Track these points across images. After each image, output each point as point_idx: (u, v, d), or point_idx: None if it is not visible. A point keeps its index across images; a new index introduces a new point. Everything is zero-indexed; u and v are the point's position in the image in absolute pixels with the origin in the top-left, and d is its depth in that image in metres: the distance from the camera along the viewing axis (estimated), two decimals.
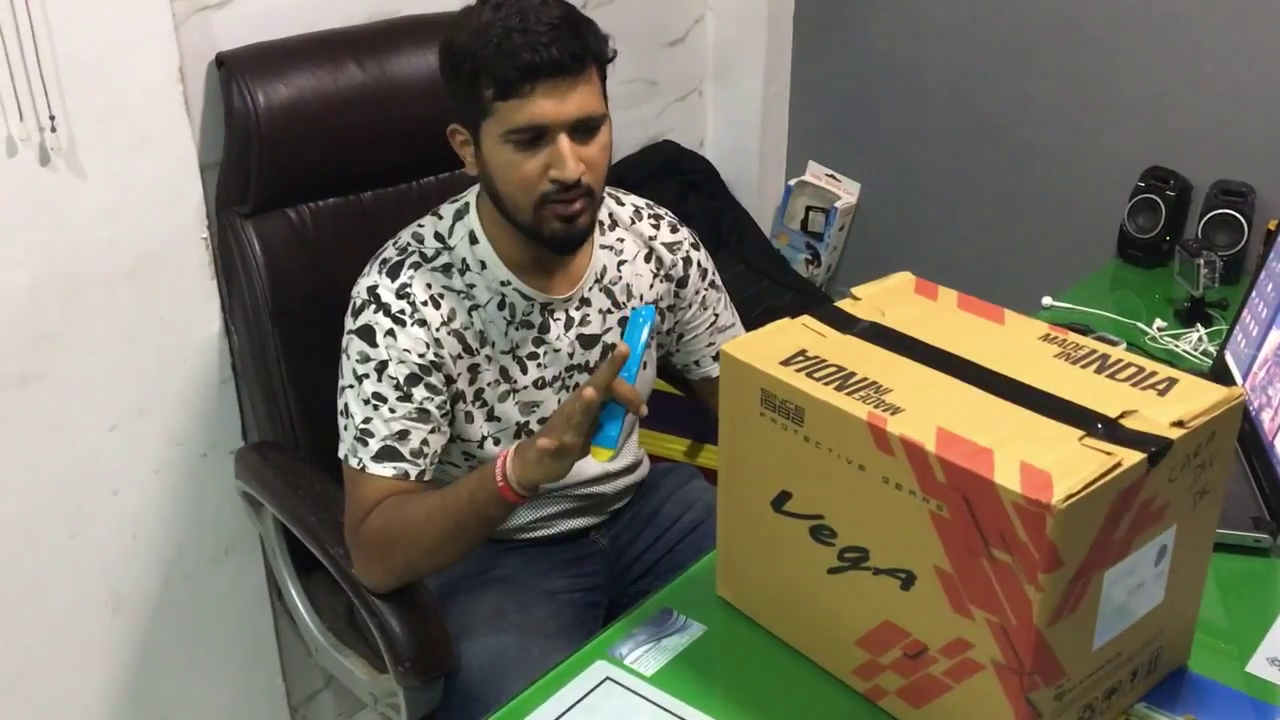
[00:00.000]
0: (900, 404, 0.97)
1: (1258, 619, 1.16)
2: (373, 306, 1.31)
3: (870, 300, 1.14)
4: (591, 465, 1.48)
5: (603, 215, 1.44)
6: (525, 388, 1.38)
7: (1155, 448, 0.90)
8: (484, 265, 1.35)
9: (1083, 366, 1.02)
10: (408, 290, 1.31)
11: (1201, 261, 1.75)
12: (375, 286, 1.32)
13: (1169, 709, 1.04)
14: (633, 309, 1.23)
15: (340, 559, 1.37)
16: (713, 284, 1.54)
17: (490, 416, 1.38)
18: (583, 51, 1.23)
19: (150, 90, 1.52)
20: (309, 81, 1.57)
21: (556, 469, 1.18)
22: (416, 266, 1.33)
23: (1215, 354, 1.60)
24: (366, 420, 1.29)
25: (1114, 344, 1.70)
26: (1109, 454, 0.89)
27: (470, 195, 1.38)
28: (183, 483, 1.70)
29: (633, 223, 1.47)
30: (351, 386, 1.31)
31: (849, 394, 0.99)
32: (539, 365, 1.38)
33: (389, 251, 1.35)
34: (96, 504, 1.62)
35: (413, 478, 1.30)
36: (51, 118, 1.43)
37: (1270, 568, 1.24)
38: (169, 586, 1.73)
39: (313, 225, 1.62)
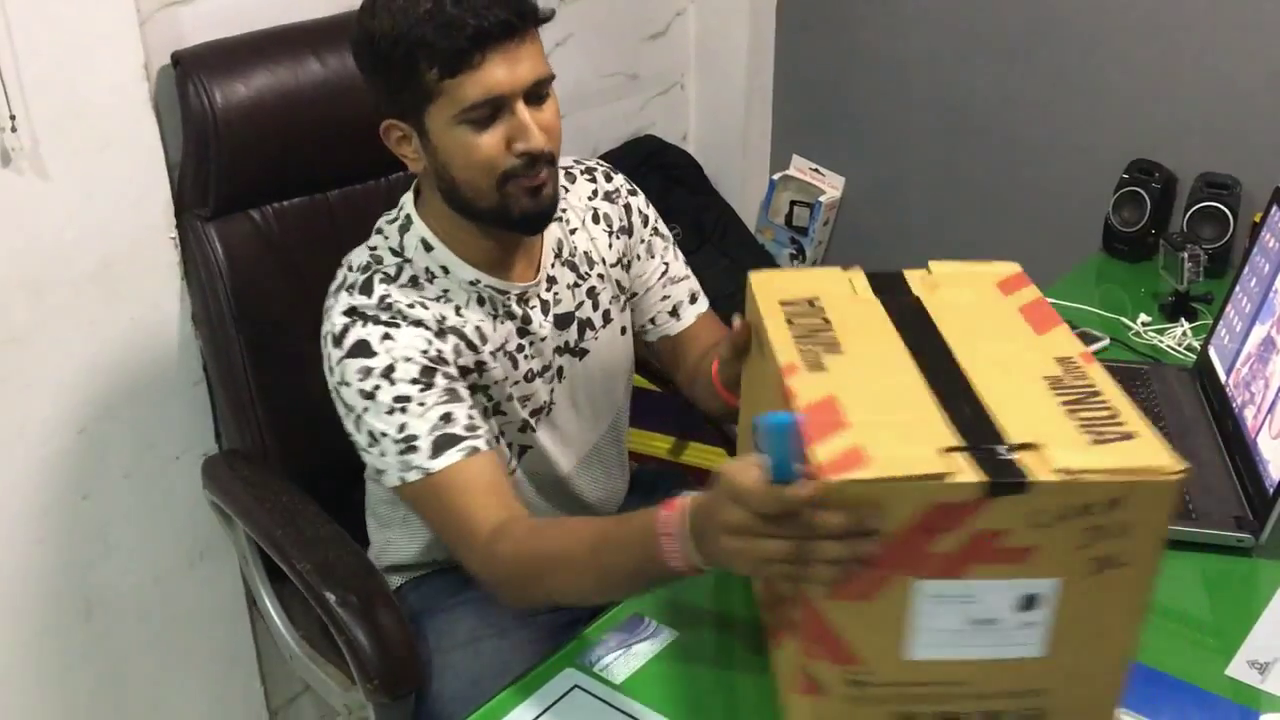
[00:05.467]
0: (829, 365, 0.95)
1: (1238, 620, 1.14)
2: (359, 322, 1.20)
3: (941, 276, 1.09)
4: (594, 491, 1.46)
5: None
6: (519, 383, 1.32)
7: (1005, 479, 0.83)
8: (446, 270, 1.27)
9: (1056, 393, 0.93)
10: (389, 301, 1.22)
11: (1186, 255, 1.73)
12: (354, 307, 1.21)
13: (1148, 714, 1.02)
14: (771, 423, 0.86)
15: (307, 574, 1.34)
16: (656, 230, 1.44)
17: (497, 411, 1.32)
18: (526, 9, 1.16)
19: (115, 89, 1.49)
20: (268, 79, 1.51)
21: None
22: (387, 282, 1.24)
23: (1199, 349, 1.58)
24: (401, 428, 1.17)
25: (1097, 339, 1.69)
26: (947, 466, 0.83)
27: (407, 206, 1.29)
28: (154, 486, 1.68)
29: (568, 188, 1.38)
30: (367, 409, 1.18)
31: (798, 343, 0.98)
32: (527, 358, 1.32)
33: (351, 276, 1.25)
34: (65, 509, 1.60)
35: (483, 449, 1.18)
36: (12, 118, 1.40)
37: (1252, 568, 1.22)
38: (142, 592, 1.71)
39: (277, 226, 1.57)
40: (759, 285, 1.08)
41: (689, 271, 1.48)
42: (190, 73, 1.49)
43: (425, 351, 1.21)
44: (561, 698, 1.07)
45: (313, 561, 1.36)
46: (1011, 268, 1.12)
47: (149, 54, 1.52)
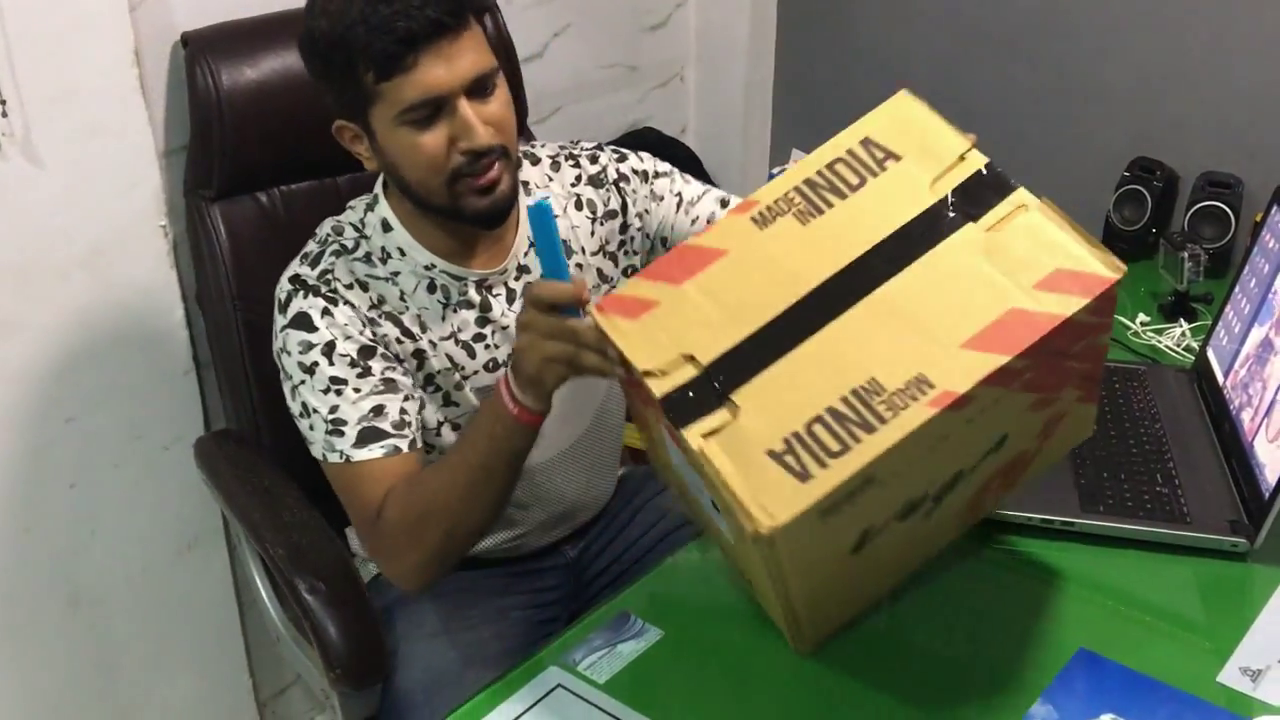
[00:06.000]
0: (763, 236, 1.00)
1: (1232, 626, 1.13)
2: (301, 293, 1.22)
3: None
4: (573, 489, 1.44)
5: (523, 177, 1.35)
6: (477, 372, 1.30)
7: (672, 413, 0.93)
8: (402, 252, 1.27)
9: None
10: (329, 276, 1.23)
11: (1186, 255, 1.71)
12: (297, 275, 1.24)
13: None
14: (527, 207, 1.07)
15: (280, 559, 1.33)
16: (656, 174, 1.41)
17: (447, 402, 1.31)
18: (459, 5, 1.13)
19: (105, 74, 1.48)
20: (275, 62, 1.52)
21: (553, 381, 1.09)
22: (338, 255, 1.25)
23: (1198, 350, 1.57)
24: (333, 409, 1.21)
25: None
26: (655, 364, 0.94)
27: (378, 185, 1.30)
28: (143, 476, 1.66)
29: (552, 177, 1.37)
30: (303, 382, 1.22)
31: (781, 201, 1.01)
32: (488, 347, 1.30)
33: (309, 245, 1.28)
34: (52, 498, 1.59)
35: (405, 450, 1.21)
36: (2, 103, 1.39)
37: (1246, 573, 1.20)
38: (130, 582, 1.70)
39: (283, 208, 1.58)
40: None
41: (708, 186, 1.46)
42: (198, 54, 1.49)
43: (361, 332, 1.23)
44: (544, 697, 1.05)
45: (286, 547, 1.35)
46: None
47: (140, 39, 1.50)
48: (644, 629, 1.14)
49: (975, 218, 0.96)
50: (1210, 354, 1.51)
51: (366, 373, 1.22)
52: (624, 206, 1.39)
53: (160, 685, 1.79)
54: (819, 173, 1.01)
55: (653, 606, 1.17)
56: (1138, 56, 1.96)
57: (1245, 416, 1.33)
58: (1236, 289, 1.50)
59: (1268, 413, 1.27)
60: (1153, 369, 1.57)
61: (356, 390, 1.21)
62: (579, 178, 1.39)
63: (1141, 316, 1.73)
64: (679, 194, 1.42)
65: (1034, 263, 0.92)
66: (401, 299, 1.26)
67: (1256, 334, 1.38)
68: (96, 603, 1.67)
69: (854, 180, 1.00)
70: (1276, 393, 1.27)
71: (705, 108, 2.45)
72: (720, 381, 0.93)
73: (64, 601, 1.64)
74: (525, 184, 1.36)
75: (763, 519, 0.85)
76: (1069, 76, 2.04)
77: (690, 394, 0.93)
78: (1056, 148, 2.07)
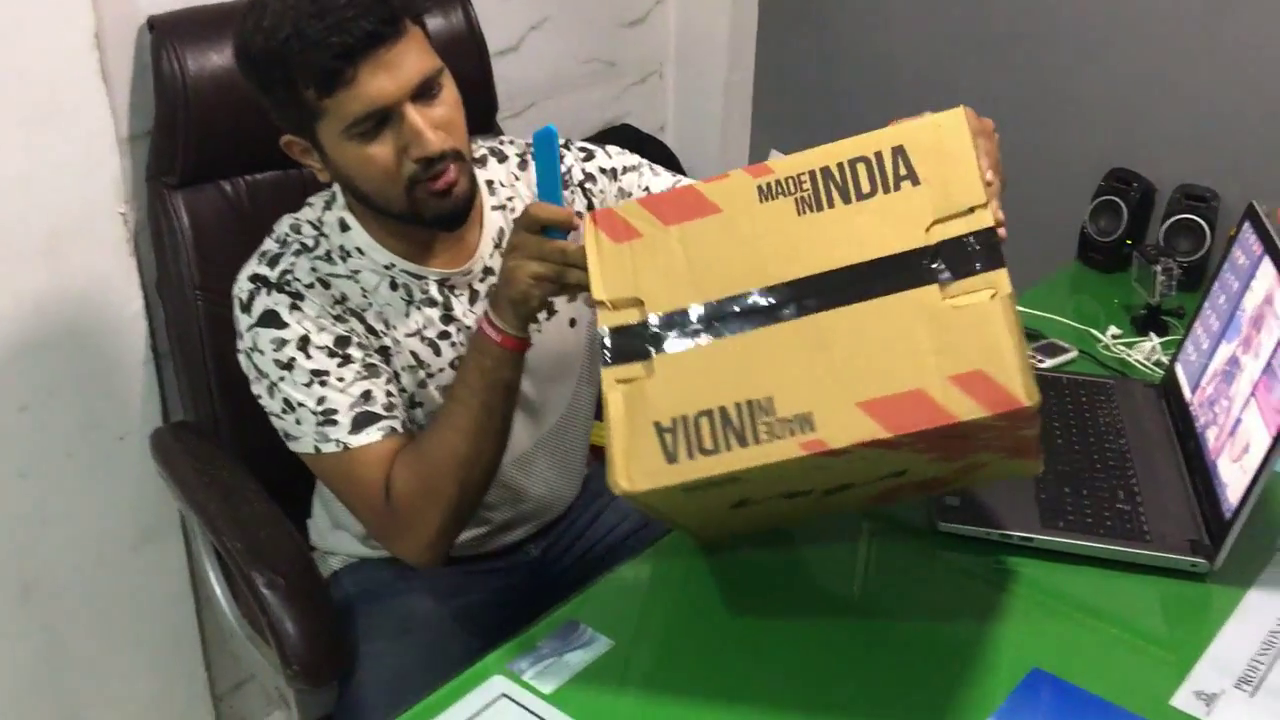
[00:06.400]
0: (751, 208, 1.00)
1: (1188, 649, 1.11)
2: (264, 291, 1.21)
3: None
4: (538, 488, 1.42)
5: (488, 176, 1.33)
6: (443, 370, 1.28)
7: (606, 353, 1.00)
8: (361, 251, 1.25)
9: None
10: (290, 276, 1.21)
11: (1159, 268, 1.70)
12: (258, 274, 1.22)
13: None
14: (534, 133, 1.12)
15: (237, 553, 1.31)
16: (625, 169, 1.40)
17: (412, 402, 1.29)
18: (393, 12, 1.10)
19: (64, 57, 1.45)
20: None
21: (539, 298, 1.12)
22: (299, 254, 1.23)
23: (1167, 365, 1.55)
24: (321, 400, 1.18)
25: (1065, 351, 1.66)
26: (607, 295, 1.02)
27: (335, 184, 1.27)
28: (97, 466, 1.64)
29: (518, 176, 1.36)
30: (283, 378, 1.19)
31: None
32: (452, 345, 1.28)
33: (267, 244, 1.25)
34: (3, 487, 1.56)
35: (399, 431, 1.20)
36: None
37: (1205, 594, 1.19)
38: (82, 574, 1.67)
39: (248, 198, 1.55)
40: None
41: (679, 176, 1.44)
42: (164, 39, 1.46)
43: (334, 323, 1.21)
44: (487, 707, 1.03)
45: (244, 541, 1.33)
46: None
47: (104, 23, 1.47)
48: (593, 638, 1.12)
49: (945, 282, 0.94)
50: (1179, 369, 1.50)
51: (347, 360, 1.20)
52: (590, 209, 1.37)
53: (113, 680, 1.76)
54: (839, 165, 0.99)
55: (603, 615, 1.15)
56: (1118, 65, 1.95)
57: (1210, 435, 1.32)
58: (1206, 305, 1.49)
59: (1232, 432, 1.26)
60: (1121, 383, 1.56)
61: (341, 379, 1.20)
62: None
63: (1113, 329, 1.72)
64: (647, 188, 1.40)
65: (963, 354, 0.91)
66: (364, 296, 1.24)
67: (1224, 351, 1.37)
68: (48, 595, 1.65)
69: (866, 188, 0.99)
70: (1241, 412, 1.26)
71: (684, 106, 2.43)
72: (653, 336, 0.98)
73: (15, 593, 1.61)
74: (490, 183, 1.34)
75: (623, 480, 0.95)
76: (1049, 84, 2.03)
77: (627, 337, 0.99)
78: (1035, 155, 2.05)
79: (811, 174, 0.99)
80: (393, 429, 1.20)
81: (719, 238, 1.00)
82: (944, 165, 0.98)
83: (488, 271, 1.31)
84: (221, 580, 1.59)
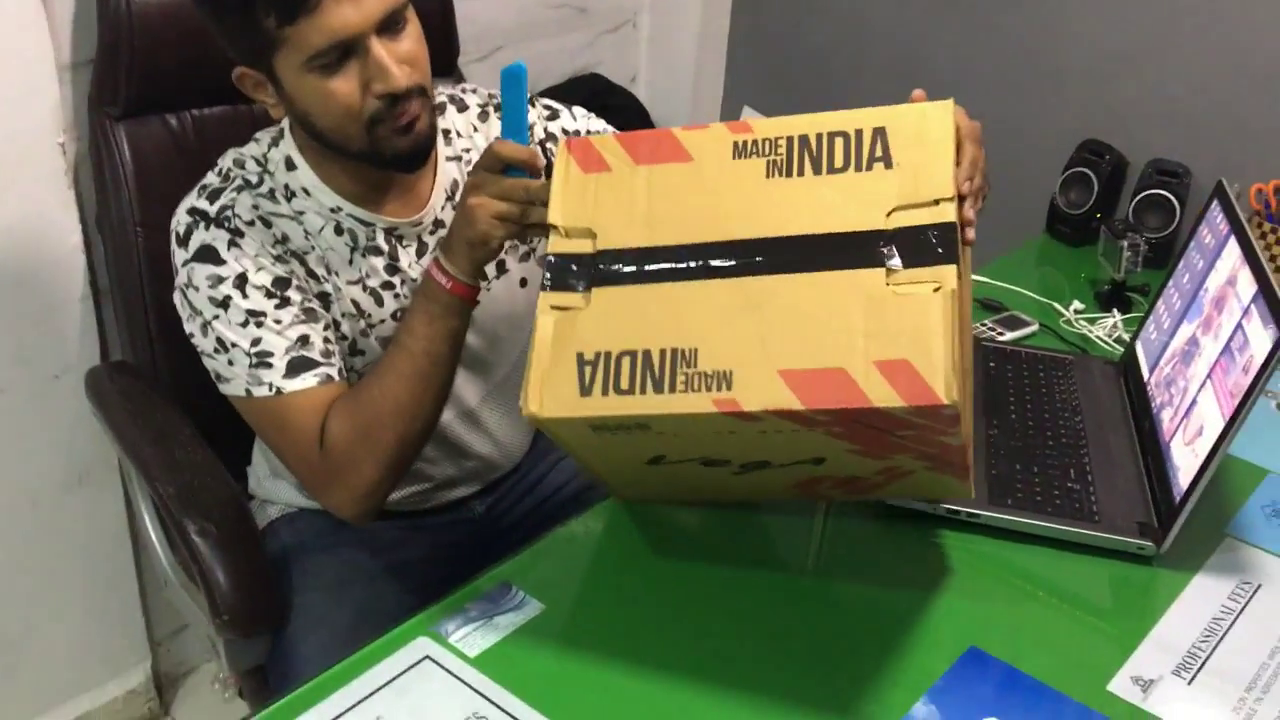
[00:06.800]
0: (713, 161, 0.99)
1: (1129, 633, 1.10)
2: (201, 225, 1.15)
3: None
4: (485, 445, 1.38)
5: (445, 125, 1.28)
6: (384, 321, 1.24)
7: (545, 278, 0.99)
8: (307, 192, 1.20)
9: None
10: (230, 213, 1.16)
11: (1125, 244, 1.67)
12: (195, 208, 1.17)
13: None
14: (502, 70, 1.09)
15: (170, 499, 1.27)
16: (589, 135, 1.30)
17: (353, 350, 1.25)
18: None
19: None
20: None
21: (499, 239, 1.09)
22: (241, 190, 1.18)
23: (1128, 343, 1.53)
24: (255, 342, 1.14)
25: (1026, 324, 1.64)
26: (558, 220, 1.00)
27: (285, 120, 1.22)
28: (30, 405, 1.59)
29: (477, 127, 1.30)
30: (217, 316, 1.15)
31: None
32: (396, 297, 1.24)
33: (209, 178, 1.21)
34: None
35: (336, 379, 1.16)
36: None
37: (1151, 578, 1.17)
38: (15, 515, 1.63)
39: (194, 133, 1.50)
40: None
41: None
42: None
43: (274, 264, 1.16)
44: (409, 669, 1.00)
45: (176, 486, 1.30)
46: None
47: None
48: (524, 601, 1.09)
49: (893, 269, 0.92)
50: (1139, 348, 1.48)
51: (285, 303, 1.16)
52: (549, 169, 1.32)
53: (45, 622, 1.73)
54: (818, 136, 0.98)
55: (537, 578, 1.12)
56: (1095, 36, 1.91)
57: (1165, 416, 1.30)
58: (1170, 283, 1.46)
59: (1186, 414, 1.24)
60: (1080, 359, 1.53)
61: (278, 321, 1.15)
62: None
63: (1076, 304, 1.69)
64: None
65: (894, 340, 0.89)
66: (307, 238, 1.20)
67: (1185, 331, 1.35)
68: None
69: (839, 163, 0.97)
70: (1197, 394, 1.23)
71: (657, 57, 2.37)
72: (598, 270, 0.97)
73: None
74: (447, 132, 1.29)
75: (533, 404, 0.94)
76: (1026, 52, 1.98)
77: (573, 266, 0.98)
78: (1008, 123, 2.02)
79: (789, 140, 0.98)
80: (329, 376, 1.16)
81: (684, 186, 0.99)
82: (920, 154, 0.96)
83: (438, 225, 1.26)
84: (157, 525, 1.55)
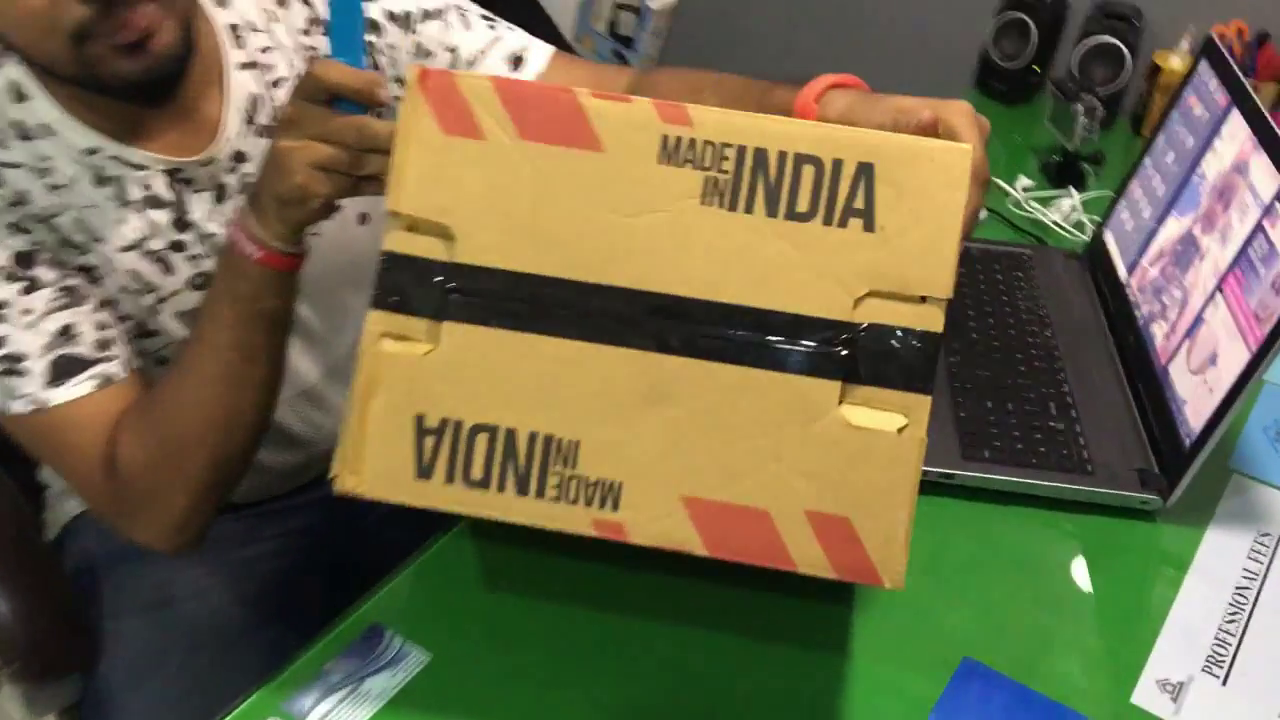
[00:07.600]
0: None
1: (1143, 617, 0.91)
2: None
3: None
4: (334, 422, 1.09)
5: (232, 18, 0.95)
6: (177, 292, 0.94)
7: (392, 263, 0.71)
8: (51, 130, 0.87)
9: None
10: None
11: (1080, 107, 1.44)
12: None
13: None
14: None
15: None
16: (425, 15, 1.03)
17: (142, 331, 0.95)
18: None
19: None
20: None
21: (322, 197, 0.78)
22: None
23: (1094, 231, 1.31)
24: (1, 342, 0.85)
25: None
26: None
27: None
28: None
29: (277, 16, 0.98)
30: None
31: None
32: (191, 260, 0.94)
33: None
34: None
35: (121, 375, 0.88)
36: None
37: (1155, 540, 0.98)
38: None
39: None
40: None
41: (498, 32, 1.07)
42: None
43: (13, 237, 0.85)
44: None
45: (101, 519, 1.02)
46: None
47: None
48: (402, 651, 0.84)
49: (850, 382, 0.68)
50: (1109, 238, 1.26)
51: (34, 285, 0.85)
52: (375, 68, 1.01)
53: None
54: (780, 156, 0.67)
55: (413, 617, 0.87)
56: None
57: (1157, 332, 1.09)
58: (1146, 161, 1.24)
59: (1189, 334, 1.03)
60: (1039, 252, 1.32)
61: (27, 311, 0.85)
62: (313, 21, 0.99)
63: (1023, 181, 1.46)
64: (453, 48, 1.04)
65: (835, 490, 0.68)
66: (54, 193, 0.87)
67: (1174, 226, 1.13)
68: None
69: (802, 206, 0.68)
70: (1203, 310, 1.02)
71: None
72: (453, 293, 0.69)
73: None
74: (235, 28, 0.96)
75: (349, 476, 0.70)
76: None
77: (415, 275, 0.70)
78: None
79: (740, 151, 0.68)
80: (107, 377, 0.87)
81: (588, 189, 0.69)
82: (915, 220, 0.67)
83: (239, 158, 0.94)
84: None
